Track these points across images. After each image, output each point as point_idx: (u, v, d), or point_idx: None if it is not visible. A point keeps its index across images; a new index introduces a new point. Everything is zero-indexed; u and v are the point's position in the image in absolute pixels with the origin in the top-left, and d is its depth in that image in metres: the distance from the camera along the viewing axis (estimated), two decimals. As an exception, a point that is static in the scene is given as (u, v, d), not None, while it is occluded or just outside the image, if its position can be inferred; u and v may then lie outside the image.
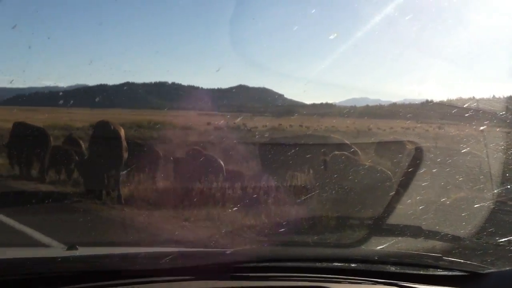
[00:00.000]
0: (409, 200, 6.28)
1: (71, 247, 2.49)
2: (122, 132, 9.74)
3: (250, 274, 2.36)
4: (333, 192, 8.26)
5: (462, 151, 9.11)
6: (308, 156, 9.92)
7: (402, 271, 2.59)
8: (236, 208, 8.11)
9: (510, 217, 6.42)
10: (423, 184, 6.98)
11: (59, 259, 2.27)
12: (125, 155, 9.66)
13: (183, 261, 2.37)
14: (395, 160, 9.10)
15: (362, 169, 8.58)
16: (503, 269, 2.65)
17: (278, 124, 29.66)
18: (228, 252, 2.65)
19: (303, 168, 9.59)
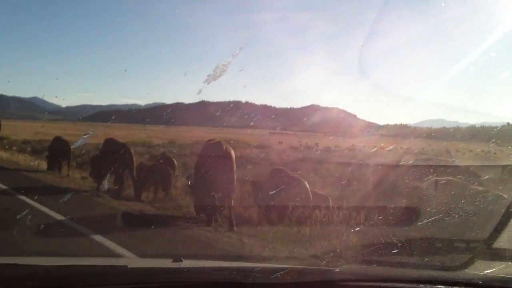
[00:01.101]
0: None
1: (177, 259, 2.57)
2: (233, 153, 9.23)
3: None
4: (441, 214, 8.00)
5: None
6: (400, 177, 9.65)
7: None
8: (342, 228, 7.94)
9: None
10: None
11: (172, 270, 2.40)
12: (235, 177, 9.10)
13: (293, 276, 2.40)
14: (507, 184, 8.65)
15: (473, 193, 8.26)
16: None
17: (352, 144, 29.29)
18: (336, 270, 2.64)
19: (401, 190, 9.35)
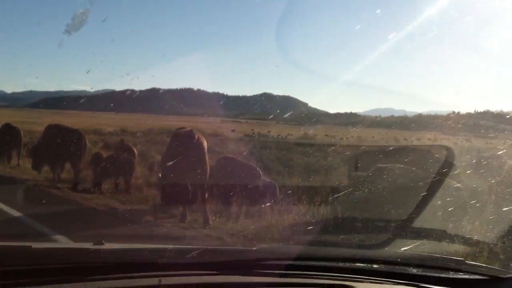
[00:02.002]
0: (437, 203, 6.20)
1: (98, 242, 2.44)
2: (205, 143, 8.73)
3: (274, 271, 2.36)
4: (362, 194, 8.30)
5: (494, 158, 9.13)
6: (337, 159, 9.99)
7: (423, 273, 2.57)
8: (263, 207, 8.05)
9: None
10: (452, 188, 6.96)
11: (91, 250, 2.30)
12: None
13: (209, 256, 2.39)
14: (426, 165, 9.07)
15: (393, 172, 8.53)
16: None
17: (304, 132, 29.81)
18: (253, 249, 2.64)
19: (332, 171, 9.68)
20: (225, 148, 15.74)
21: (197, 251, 2.29)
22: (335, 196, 8.41)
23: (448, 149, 9.40)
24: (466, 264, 2.60)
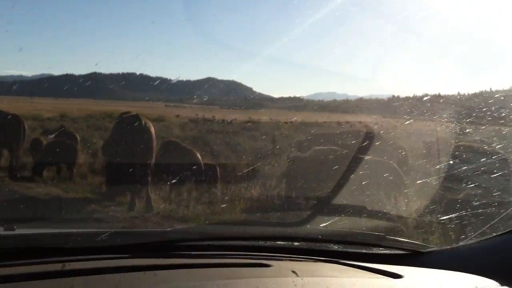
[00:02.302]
0: (356, 181, 6.40)
1: (9, 228, 2.32)
2: (152, 128, 8.45)
3: (190, 252, 2.31)
4: (282, 172, 8.41)
5: (415, 137, 9.56)
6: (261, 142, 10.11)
7: (344, 249, 2.60)
8: (182, 187, 7.92)
9: (451, 194, 6.63)
10: (371, 166, 7.21)
11: None
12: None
13: (121, 239, 2.30)
14: (347, 144, 9.18)
15: (327, 154, 8.67)
16: (443, 247, 2.69)
17: (248, 117, 29.96)
18: (167, 230, 2.73)
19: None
20: (170, 134, 15.65)
21: (107, 234, 2.20)
22: (264, 176, 8.55)
23: (368, 128, 9.78)
24: (387, 239, 2.69)
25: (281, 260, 2.36)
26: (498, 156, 6.94)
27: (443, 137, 8.65)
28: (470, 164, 6.77)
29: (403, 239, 2.85)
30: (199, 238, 2.52)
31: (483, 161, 6.66)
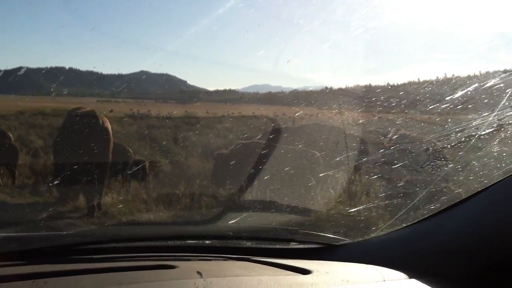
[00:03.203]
0: (267, 176, 6.45)
1: None
2: (110, 127, 7.87)
3: (93, 256, 2.24)
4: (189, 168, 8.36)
5: (328, 129, 9.77)
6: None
7: (257, 246, 2.64)
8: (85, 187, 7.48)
9: (357, 186, 6.84)
10: (281, 160, 7.28)
11: None
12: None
13: (16, 244, 2.20)
14: (255, 139, 9.19)
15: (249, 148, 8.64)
16: (355, 240, 2.80)
17: (184, 111, 29.67)
18: (66, 233, 2.57)
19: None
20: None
21: None
22: (188, 174, 8.47)
23: (273, 120, 9.88)
24: (299, 233, 2.77)
25: (189, 260, 2.33)
26: (396, 147, 7.20)
27: (352, 129, 8.86)
28: (372, 155, 6.99)
29: (316, 233, 2.91)
30: (100, 241, 2.44)
31: (382, 152, 6.88)
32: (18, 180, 9.23)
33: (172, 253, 2.41)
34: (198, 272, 2.09)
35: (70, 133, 7.88)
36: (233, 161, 8.04)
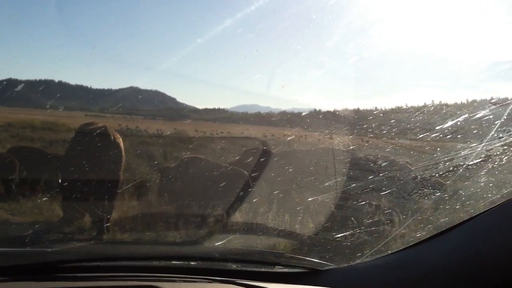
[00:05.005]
0: (255, 199, 6.42)
1: None
2: (122, 144, 7.59)
3: (76, 274, 2.22)
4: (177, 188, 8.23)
5: (315, 153, 9.78)
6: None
7: (243, 268, 2.63)
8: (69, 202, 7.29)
9: (344, 212, 6.84)
10: (269, 183, 7.25)
11: None
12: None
13: None
14: (245, 161, 9.15)
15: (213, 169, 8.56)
16: (341, 265, 2.80)
17: (173, 128, 29.59)
18: (50, 251, 2.50)
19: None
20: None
21: None
22: (168, 192, 8.27)
23: (263, 142, 9.91)
24: (285, 257, 2.75)
25: (174, 281, 2.33)
26: (385, 174, 7.24)
27: (341, 153, 8.91)
28: (360, 181, 7.02)
29: (302, 257, 2.88)
30: (84, 259, 2.40)
31: (371, 178, 6.92)
32: (5, 194, 9.02)
33: (157, 274, 2.39)
34: None
35: (80, 148, 7.68)
36: (181, 176, 8.00)
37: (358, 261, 2.82)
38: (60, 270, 2.26)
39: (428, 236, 2.62)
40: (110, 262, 2.45)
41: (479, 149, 3.87)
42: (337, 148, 9.34)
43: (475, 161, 3.83)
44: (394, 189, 6.71)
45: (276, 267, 2.70)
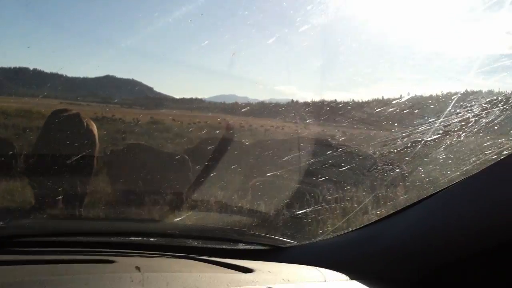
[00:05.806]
0: (216, 178, 6.43)
1: None
2: (95, 130, 7.51)
3: (30, 249, 2.20)
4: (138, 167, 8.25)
5: (283, 137, 9.90)
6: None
7: (203, 245, 2.62)
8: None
9: (304, 188, 6.87)
10: (232, 163, 7.27)
11: None
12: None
13: None
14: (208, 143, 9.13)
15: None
16: (302, 242, 2.82)
17: (150, 117, 29.44)
18: (3, 225, 2.48)
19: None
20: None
21: None
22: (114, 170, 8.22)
23: (228, 127, 10.02)
24: (247, 234, 2.78)
25: (131, 256, 2.29)
26: (343, 149, 7.28)
27: (306, 137, 8.98)
28: (319, 156, 7.06)
29: (263, 234, 2.92)
30: (39, 234, 2.40)
31: (330, 153, 6.96)
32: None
33: (114, 249, 2.36)
34: (137, 267, 2.05)
35: (52, 134, 7.62)
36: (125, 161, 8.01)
37: (319, 238, 2.84)
38: (14, 245, 2.23)
39: (388, 213, 2.64)
40: (65, 237, 2.43)
41: (436, 125, 3.90)
42: (304, 134, 9.41)
43: (433, 137, 3.86)
44: (353, 165, 6.75)
45: (238, 244, 2.71)
